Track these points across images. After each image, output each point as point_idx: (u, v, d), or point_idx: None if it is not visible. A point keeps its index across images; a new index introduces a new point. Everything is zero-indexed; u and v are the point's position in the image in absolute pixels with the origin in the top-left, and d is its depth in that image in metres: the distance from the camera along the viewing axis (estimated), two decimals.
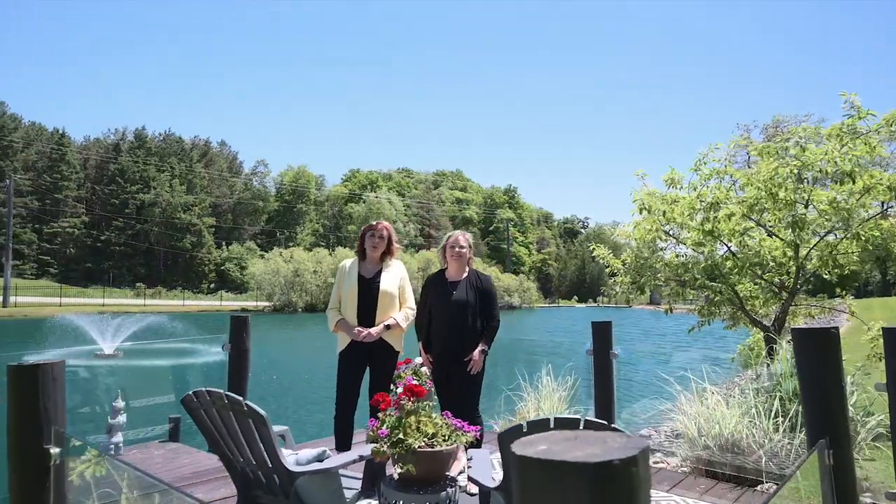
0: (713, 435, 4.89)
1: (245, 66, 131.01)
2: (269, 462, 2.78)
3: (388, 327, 4.34)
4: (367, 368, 4.42)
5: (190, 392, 2.86)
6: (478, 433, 3.04)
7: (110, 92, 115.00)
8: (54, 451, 2.04)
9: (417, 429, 2.86)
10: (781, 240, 7.27)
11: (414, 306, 4.58)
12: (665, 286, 8.26)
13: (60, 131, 72.39)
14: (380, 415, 2.98)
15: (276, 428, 4.44)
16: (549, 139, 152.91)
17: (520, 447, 0.80)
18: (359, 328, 4.30)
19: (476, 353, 4.37)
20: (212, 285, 70.50)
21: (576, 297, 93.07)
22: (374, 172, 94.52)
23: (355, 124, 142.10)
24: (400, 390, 3.04)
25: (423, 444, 2.80)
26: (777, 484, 4.26)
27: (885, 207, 7.13)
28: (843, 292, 9.22)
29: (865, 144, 6.37)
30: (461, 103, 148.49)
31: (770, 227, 7.39)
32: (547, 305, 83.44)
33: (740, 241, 7.42)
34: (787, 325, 7.53)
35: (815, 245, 7.05)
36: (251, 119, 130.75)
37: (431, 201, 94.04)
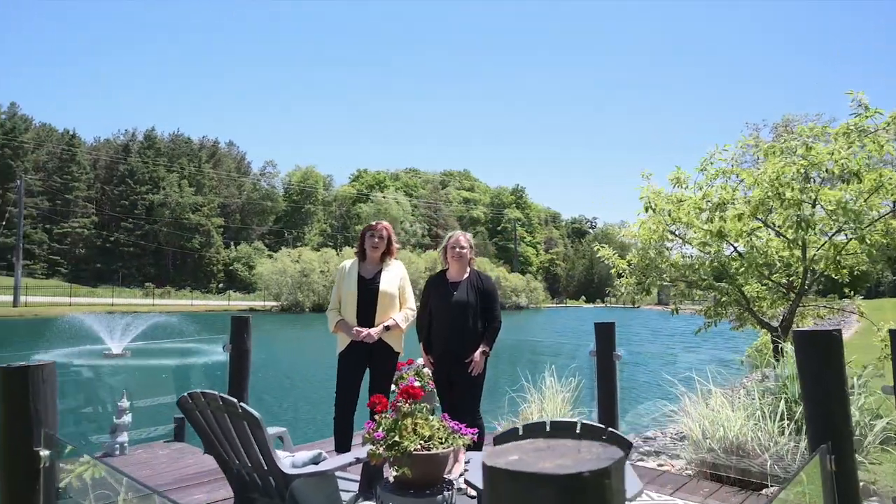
0: (718, 437, 4.83)
1: (251, 67, 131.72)
2: (264, 464, 2.76)
3: (387, 328, 4.31)
4: (368, 369, 4.40)
5: (185, 393, 2.85)
6: (475, 435, 3.01)
7: (111, 92, 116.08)
8: (44, 453, 2.03)
9: (414, 431, 2.84)
10: (789, 240, 7.19)
11: (414, 307, 4.55)
12: (671, 287, 8.20)
13: (71, 132, 73.02)
14: (376, 417, 2.95)
15: (274, 429, 4.44)
16: (556, 139, 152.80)
17: (489, 457, 0.77)
18: (358, 328, 4.28)
19: (477, 354, 4.34)
20: (220, 285, 70.85)
21: (583, 298, 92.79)
22: (382, 172, 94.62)
23: (363, 124, 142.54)
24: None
25: (419, 446, 2.77)
26: (781, 488, 4.19)
27: (895, 207, 7.05)
28: (853, 293, 9.12)
29: (874, 143, 6.29)
30: (469, 103, 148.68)
31: (777, 227, 7.31)
32: (554, 305, 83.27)
33: (748, 242, 7.35)
34: (794, 326, 7.45)
35: (821, 245, 6.97)
36: (258, 120, 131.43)
37: (439, 201, 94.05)
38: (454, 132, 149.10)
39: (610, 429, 2.36)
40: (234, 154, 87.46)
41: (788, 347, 5.63)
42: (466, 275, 4.56)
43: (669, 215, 7.16)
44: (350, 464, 2.97)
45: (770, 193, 6.75)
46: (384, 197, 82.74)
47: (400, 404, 2.90)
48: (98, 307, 38.66)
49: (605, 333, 5.15)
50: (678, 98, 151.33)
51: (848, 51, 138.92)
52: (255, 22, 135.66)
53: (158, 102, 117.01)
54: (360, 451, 3.03)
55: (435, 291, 4.56)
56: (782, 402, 4.90)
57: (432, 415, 4.65)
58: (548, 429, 2.42)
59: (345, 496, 3.06)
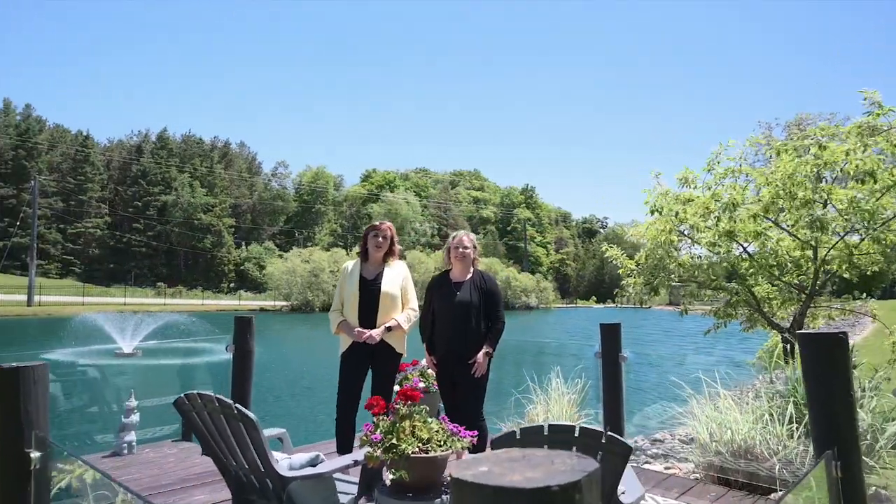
0: (725, 441, 4.76)
1: (262, 67, 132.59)
2: (261, 466, 2.74)
3: (389, 329, 4.28)
4: (370, 371, 4.38)
5: (182, 394, 2.83)
6: (474, 438, 2.96)
7: (123, 93, 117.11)
8: (34, 455, 2.01)
9: (412, 433, 2.80)
10: (800, 240, 7.08)
11: (416, 307, 4.52)
12: (680, 287, 8.11)
13: (84, 133, 73.75)
14: (374, 419, 2.92)
15: (274, 430, 4.43)
16: (567, 139, 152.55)
17: (458, 468, 0.74)
18: (359, 329, 4.25)
19: (480, 355, 4.30)
20: (231, 285, 71.29)
21: (594, 298, 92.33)
22: (392, 172, 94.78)
23: (373, 125, 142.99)
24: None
25: (417, 449, 2.73)
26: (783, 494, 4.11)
27: None
28: (867, 294, 8.96)
29: (887, 141, 6.18)
30: (479, 103, 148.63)
31: (788, 226, 7.20)
32: (564, 306, 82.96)
33: (759, 242, 7.24)
34: (806, 327, 7.34)
35: (833, 245, 6.85)
36: (269, 120, 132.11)
37: (449, 201, 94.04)
38: (464, 132, 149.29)
39: (609, 433, 2.31)
40: (246, 154, 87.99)
41: (798, 349, 5.54)
42: (470, 275, 4.52)
43: (677, 216, 7.07)
44: (348, 466, 2.94)
45: (782, 193, 6.65)
46: (394, 197, 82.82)
47: (398, 406, 2.87)
48: (110, 307, 39.00)
49: (610, 334, 5.08)
50: (685, 98, 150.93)
51: (848, 51, 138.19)
52: (264, 22, 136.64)
53: (169, 103, 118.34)
54: (358, 453, 3.00)
55: (438, 292, 4.53)
56: (791, 404, 4.82)
57: (438, 415, 4.65)
58: (546, 432, 2.38)
59: (344, 498, 3.03)
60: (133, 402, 5.61)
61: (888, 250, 6.55)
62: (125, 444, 5.50)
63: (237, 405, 2.66)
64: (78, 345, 19.05)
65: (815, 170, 6.54)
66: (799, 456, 4.46)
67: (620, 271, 8.33)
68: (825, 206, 6.74)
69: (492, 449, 2.52)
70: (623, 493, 2.62)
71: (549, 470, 0.72)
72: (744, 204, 6.92)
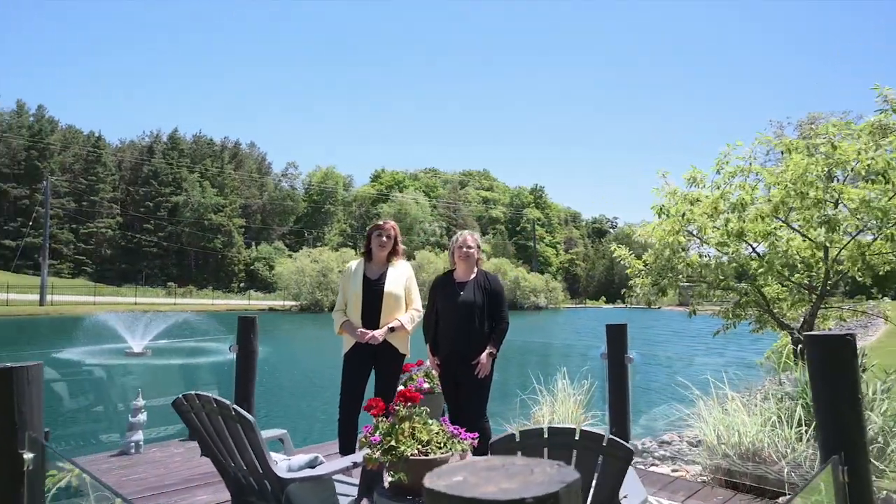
0: (732, 443, 4.69)
1: (272, 68, 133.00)
2: (259, 468, 2.72)
3: (392, 329, 4.25)
4: (373, 371, 4.35)
5: (180, 395, 2.82)
6: (475, 440, 2.93)
7: (114, 92, 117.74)
8: (27, 456, 2.00)
9: (412, 435, 2.77)
10: (810, 240, 6.98)
11: (420, 308, 4.48)
12: (688, 287, 8.03)
13: (96, 134, 74.38)
14: (374, 420, 2.89)
15: (275, 431, 4.41)
16: (576, 138, 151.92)
17: (431, 478, 0.71)
18: (362, 330, 4.22)
19: (483, 356, 4.26)
20: (241, 285, 71.68)
21: (603, 298, 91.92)
22: (401, 172, 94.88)
23: (383, 125, 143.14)
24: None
25: (416, 451, 2.70)
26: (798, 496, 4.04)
27: None
28: (881, 295, 8.84)
29: None
30: (488, 103, 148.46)
31: (798, 226, 7.11)
32: (573, 306, 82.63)
33: (770, 242, 7.15)
34: (816, 328, 7.24)
35: (845, 245, 6.76)
36: (279, 120, 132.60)
37: (458, 201, 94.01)
38: (473, 132, 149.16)
39: (610, 436, 2.26)
40: (256, 155, 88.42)
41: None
42: (473, 275, 4.48)
43: (684, 216, 7.00)
44: (347, 468, 2.92)
45: (792, 193, 6.56)
46: (403, 197, 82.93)
47: (398, 408, 2.84)
48: (121, 306, 39.32)
49: (616, 335, 5.03)
50: (687, 98, 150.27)
51: (848, 51, 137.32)
52: (273, 23, 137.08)
53: (168, 103, 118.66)
54: (358, 455, 2.97)
55: (441, 292, 4.49)
56: (800, 406, 4.75)
57: (443, 416, 4.61)
58: (546, 435, 2.34)
59: (344, 500, 3.00)
60: (140, 402, 5.64)
61: None
62: (132, 444, 5.52)
63: (234, 406, 2.64)
64: (89, 344, 19.19)
65: (825, 169, 6.44)
66: (808, 459, 4.39)
67: (628, 271, 8.27)
68: (836, 205, 6.64)
69: (490, 452, 2.48)
70: (625, 497, 2.58)
71: (527, 481, 0.69)
72: (753, 203, 6.84)
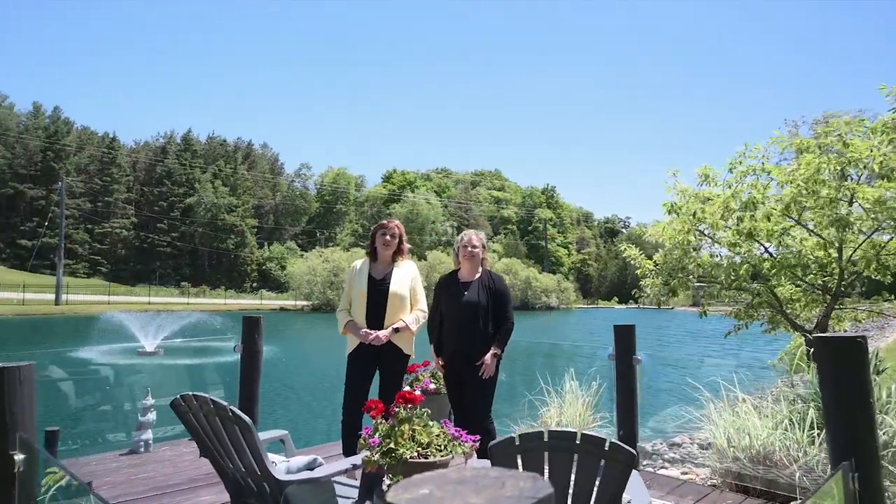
0: (743, 446, 4.60)
1: (284, 69, 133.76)
2: (257, 470, 2.69)
3: (396, 330, 4.21)
4: (378, 372, 4.31)
5: (178, 396, 2.79)
6: (477, 443, 2.87)
7: (114, 92, 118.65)
8: (18, 457, 1.97)
9: (412, 438, 2.72)
10: (824, 240, 6.85)
11: (425, 308, 4.44)
12: (699, 288, 7.93)
13: (111, 136, 75.13)
14: (374, 422, 2.85)
15: (276, 432, 4.38)
16: (588, 138, 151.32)
17: (396, 491, 0.66)
18: (366, 330, 4.18)
19: (488, 357, 4.21)
20: (254, 284, 72.11)
21: (616, 298, 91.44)
22: (413, 173, 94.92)
23: (394, 125, 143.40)
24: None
25: (415, 454, 2.66)
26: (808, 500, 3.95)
27: None
28: (894, 296, 8.67)
29: None
30: (500, 102, 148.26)
31: (812, 226, 6.99)
32: (585, 306, 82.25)
33: (780, 242, 7.04)
34: (830, 329, 7.11)
35: (860, 245, 6.62)
36: (292, 121, 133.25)
37: (469, 201, 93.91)
38: (485, 132, 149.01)
39: (612, 440, 2.20)
40: (269, 156, 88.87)
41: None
42: (478, 275, 4.44)
43: (695, 216, 6.90)
44: (346, 470, 2.88)
45: (804, 192, 6.44)
46: (415, 197, 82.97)
47: (398, 410, 2.79)
48: (135, 305, 39.70)
49: (624, 336, 4.95)
50: (688, 97, 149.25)
51: (848, 51, 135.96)
52: (284, 23, 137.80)
53: (169, 103, 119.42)
54: (358, 457, 2.93)
55: (446, 292, 4.45)
56: (812, 409, 4.65)
57: (449, 417, 4.56)
58: (546, 438, 2.28)
59: (344, 502, 2.97)
60: (150, 401, 5.65)
61: None
62: (142, 442, 5.54)
63: (231, 407, 2.61)
64: (103, 343, 19.36)
65: (838, 167, 6.32)
66: (820, 463, 4.30)
67: (638, 272, 8.18)
68: (850, 204, 6.52)
69: (490, 455, 2.43)
70: (629, 501, 2.52)
71: (495, 495, 0.64)
72: (765, 202, 6.73)
